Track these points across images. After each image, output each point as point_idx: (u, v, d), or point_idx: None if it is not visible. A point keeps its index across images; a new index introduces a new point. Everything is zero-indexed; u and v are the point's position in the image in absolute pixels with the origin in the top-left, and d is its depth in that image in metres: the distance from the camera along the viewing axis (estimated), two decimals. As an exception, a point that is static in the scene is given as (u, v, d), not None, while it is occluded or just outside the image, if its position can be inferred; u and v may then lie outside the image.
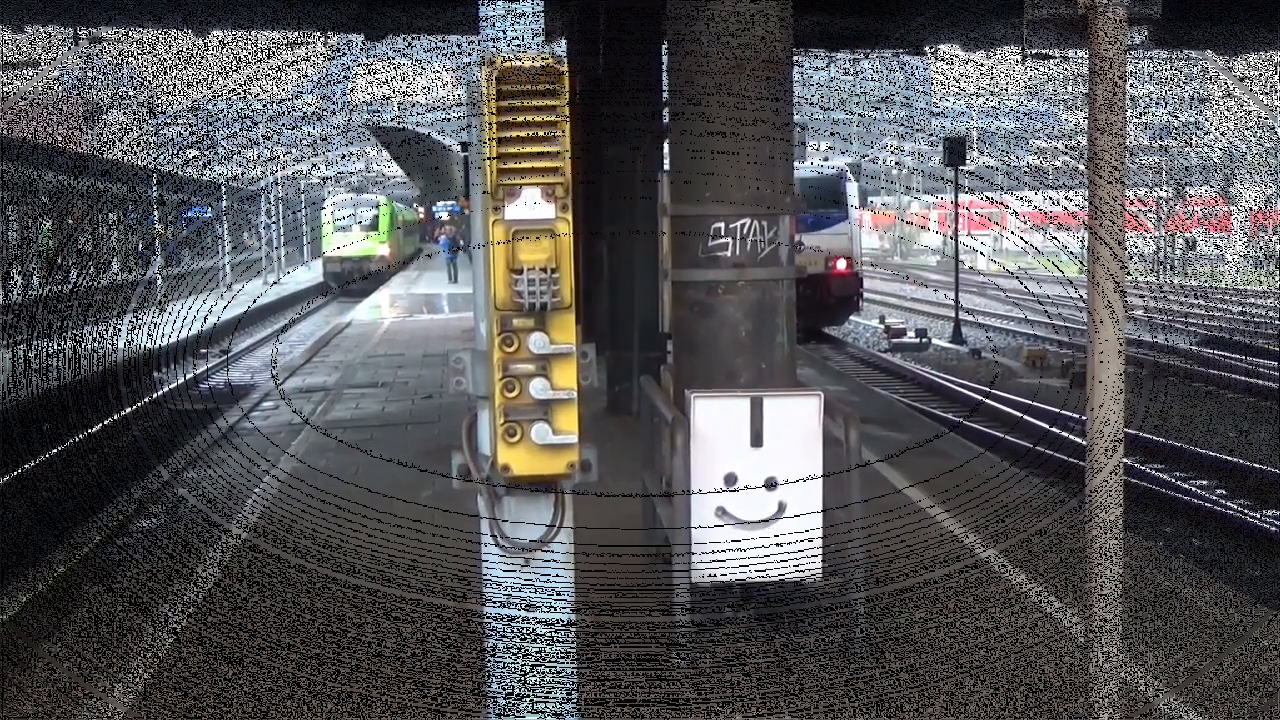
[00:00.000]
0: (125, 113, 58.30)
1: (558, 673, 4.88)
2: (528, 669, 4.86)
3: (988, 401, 20.55)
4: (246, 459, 12.10)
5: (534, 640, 4.84)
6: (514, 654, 4.83)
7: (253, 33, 29.56)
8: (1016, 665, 6.62)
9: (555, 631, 4.84)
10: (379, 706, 6.12)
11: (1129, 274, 4.92)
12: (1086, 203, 4.91)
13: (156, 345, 20.37)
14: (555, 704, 4.87)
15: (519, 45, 4.52)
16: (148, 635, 7.24)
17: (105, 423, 17.09)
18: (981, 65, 62.67)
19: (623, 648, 6.67)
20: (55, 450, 15.43)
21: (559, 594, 4.84)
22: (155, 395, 20.15)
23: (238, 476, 11.64)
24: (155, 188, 38.94)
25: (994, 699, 6.18)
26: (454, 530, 5.30)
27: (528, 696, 4.85)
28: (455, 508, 5.06)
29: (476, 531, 4.83)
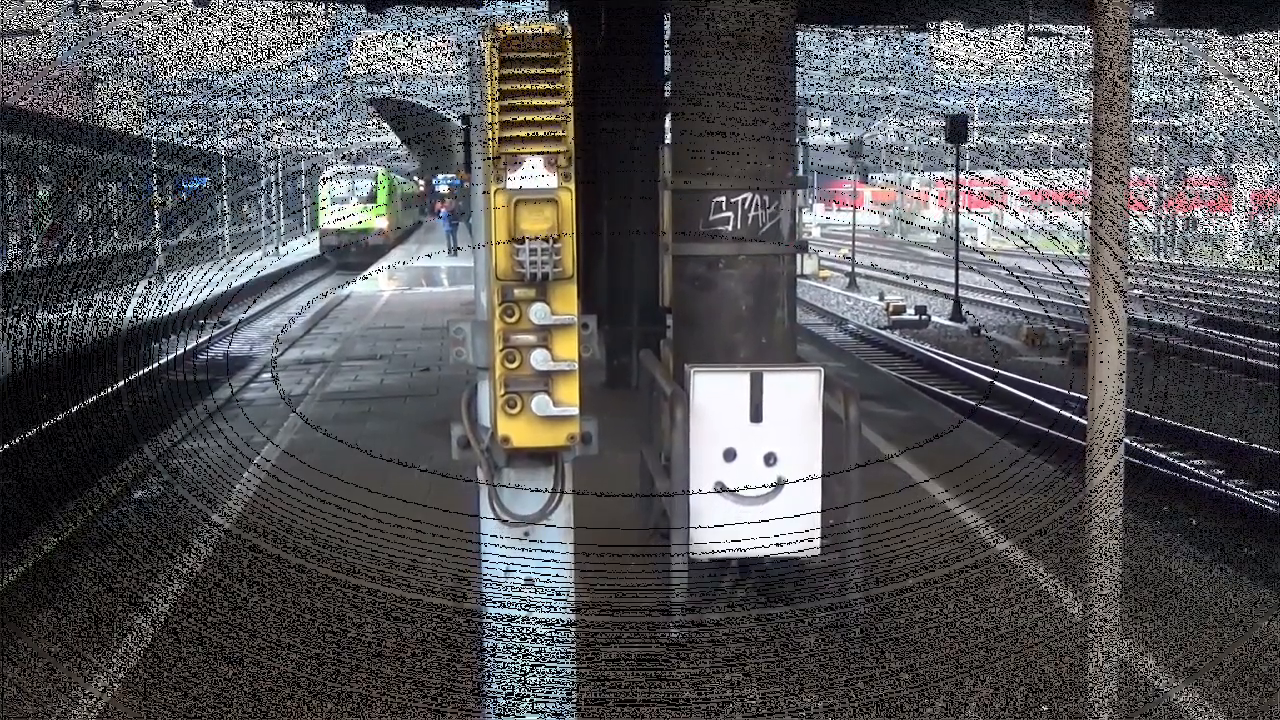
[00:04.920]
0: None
1: (556, 666, 4.87)
2: (527, 650, 4.85)
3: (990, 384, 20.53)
4: (231, 443, 12.03)
5: (533, 636, 4.83)
6: (512, 652, 4.82)
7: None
8: (1017, 661, 6.60)
9: (555, 631, 4.83)
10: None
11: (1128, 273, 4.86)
12: (1089, 204, 4.85)
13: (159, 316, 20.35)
14: (555, 696, 4.86)
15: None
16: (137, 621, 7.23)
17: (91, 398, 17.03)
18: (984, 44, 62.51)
19: (622, 647, 6.63)
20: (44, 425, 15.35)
21: (558, 572, 4.82)
22: (148, 369, 20.10)
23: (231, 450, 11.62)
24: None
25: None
26: (450, 523, 5.26)
27: (527, 696, 4.83)
28: (453, 480, 5.03)
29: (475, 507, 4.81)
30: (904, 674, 6.46)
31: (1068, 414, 16.14)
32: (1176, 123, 61.53)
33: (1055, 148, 62.08)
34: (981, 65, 65.25)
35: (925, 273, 42.10)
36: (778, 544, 7.06)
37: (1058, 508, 9.36)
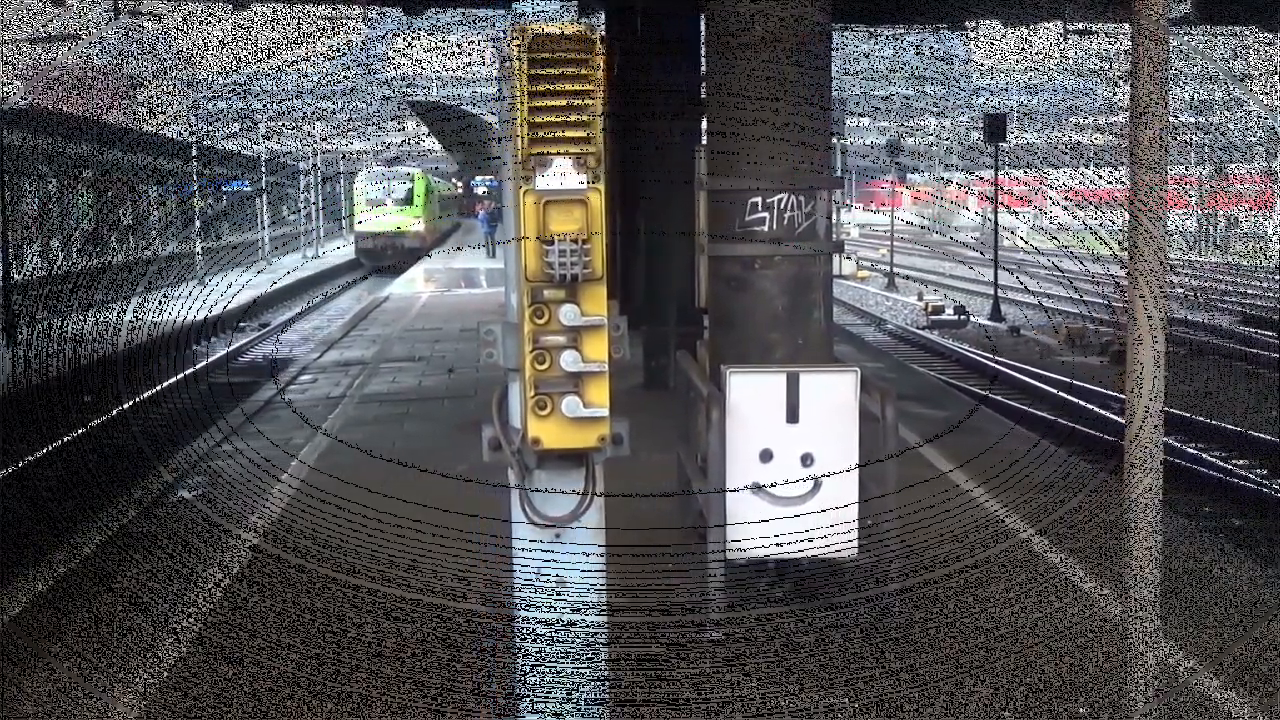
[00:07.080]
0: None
1: (589, 667, 4.86)
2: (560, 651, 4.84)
3: (1017, 378, 20.47)
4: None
5: (566, 638, 4.82)
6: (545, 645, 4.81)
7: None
8: (1047, 654, 6.54)
9: (590, 631, 4.81)
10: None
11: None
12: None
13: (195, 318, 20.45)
14: (586, 693, 4.84)
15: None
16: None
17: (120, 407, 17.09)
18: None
19: (640, 645, 6.59)
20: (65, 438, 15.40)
21: (590, 573, 4.81)
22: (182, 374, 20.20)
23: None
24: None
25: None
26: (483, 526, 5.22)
27: (554, 700, 4.82)
28: (487, 481, 5.02)
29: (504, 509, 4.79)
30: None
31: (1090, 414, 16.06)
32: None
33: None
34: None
35: (964, 273, 41.89)
36: (815, 544, 7.02)
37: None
